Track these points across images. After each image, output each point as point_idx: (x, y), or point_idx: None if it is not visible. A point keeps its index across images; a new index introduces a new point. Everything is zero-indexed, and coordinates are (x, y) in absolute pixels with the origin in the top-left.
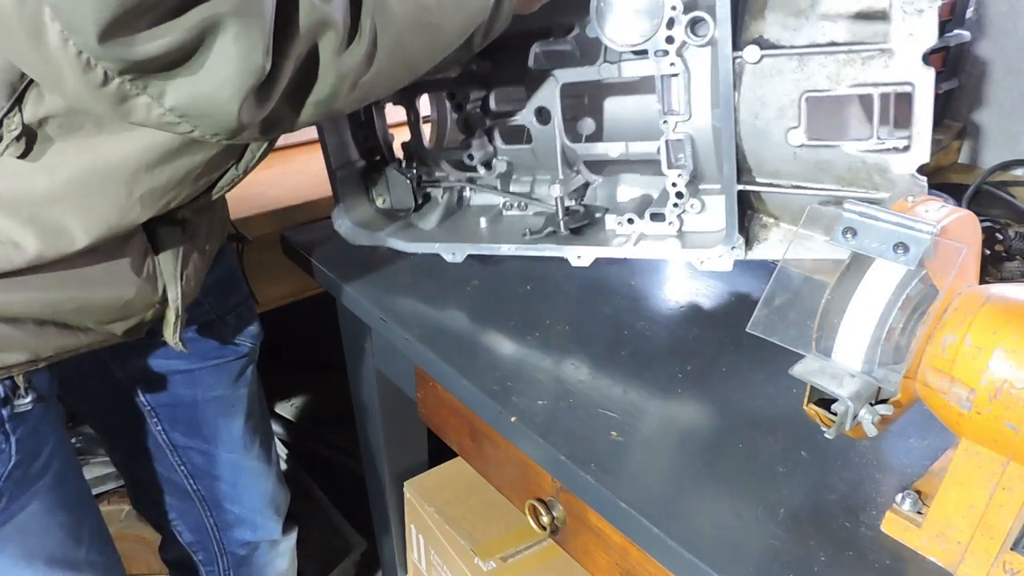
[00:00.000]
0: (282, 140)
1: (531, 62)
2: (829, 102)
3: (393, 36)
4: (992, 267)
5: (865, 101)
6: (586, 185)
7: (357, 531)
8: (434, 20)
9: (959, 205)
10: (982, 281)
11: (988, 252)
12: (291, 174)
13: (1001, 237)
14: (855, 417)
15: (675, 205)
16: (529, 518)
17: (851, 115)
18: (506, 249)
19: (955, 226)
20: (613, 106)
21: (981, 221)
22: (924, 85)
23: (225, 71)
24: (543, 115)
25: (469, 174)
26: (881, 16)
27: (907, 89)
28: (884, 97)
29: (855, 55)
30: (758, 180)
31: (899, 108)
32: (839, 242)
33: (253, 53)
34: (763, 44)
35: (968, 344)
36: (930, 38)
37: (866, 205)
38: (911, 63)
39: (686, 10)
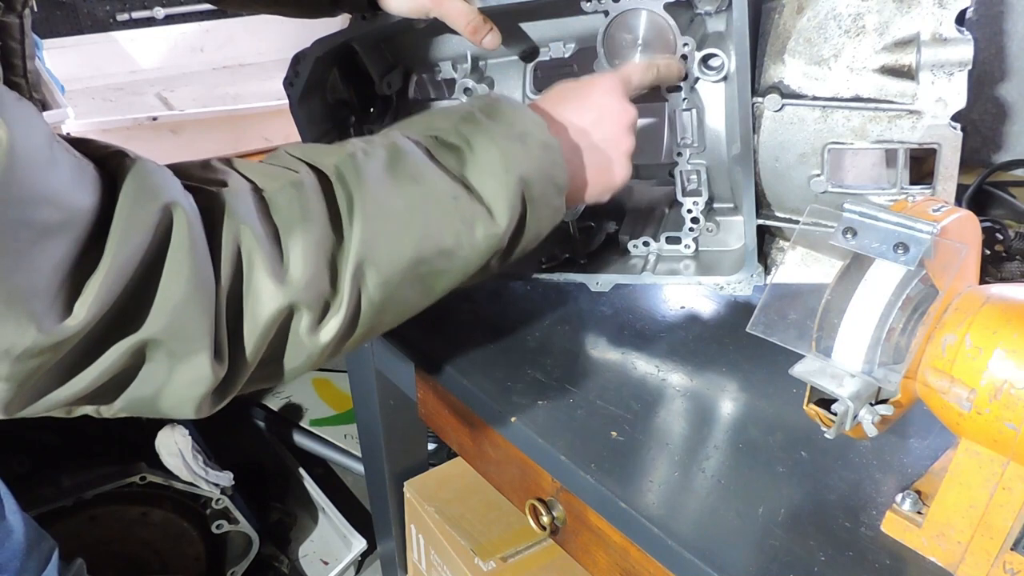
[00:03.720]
0: (280, 141)
1: (529, 86)
2: (852, 152)
3: (382, 294)
4: (992, 267)
5: (889, 153)
6: None
7: (357, 531)
8: (434, 267)
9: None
10: (982, 281)
11: (988, 252)
12: None
13: (1001, 237)
14: (855, 417)
15: (691, 229)
16: (529, 518)
17: (871, 161)
18: (525, 276)
19: (955, 226)
20: None
21: (981, 221)
22: (951, 146)
23: (169, 388)
24: None
25: None
26: (907, 73)
27: (934, 147)
28: (908, 150)
29: (881, 113)
30: (777, 215)
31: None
32: (839, 242)
33: (199, 366)
34: (784, 91)
35: (968, 344)
36: (960, 102)
37: (866, 205)
38: (939, 125)
39: (699, 46)
